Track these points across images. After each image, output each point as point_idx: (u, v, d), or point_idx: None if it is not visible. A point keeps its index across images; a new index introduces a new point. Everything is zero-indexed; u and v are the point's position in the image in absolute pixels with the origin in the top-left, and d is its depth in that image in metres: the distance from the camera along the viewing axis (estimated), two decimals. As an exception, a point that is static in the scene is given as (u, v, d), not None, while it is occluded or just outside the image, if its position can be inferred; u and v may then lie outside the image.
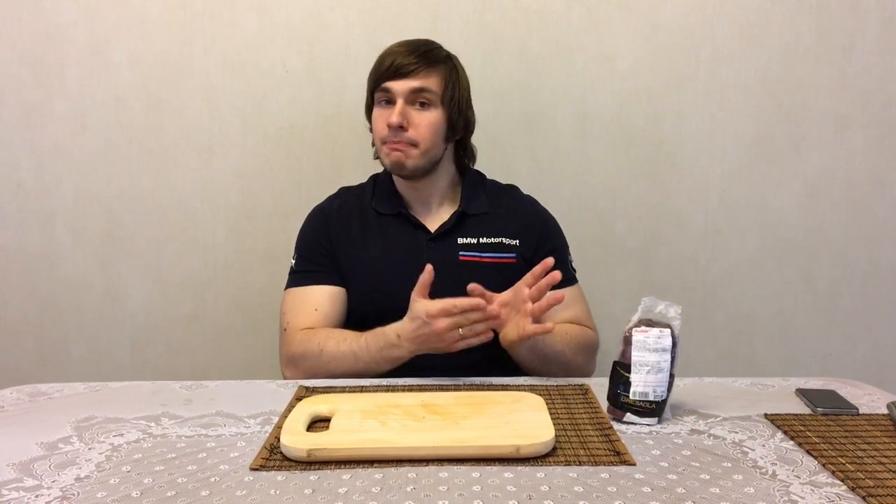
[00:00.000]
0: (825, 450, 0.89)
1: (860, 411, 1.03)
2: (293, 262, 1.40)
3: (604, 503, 0.75)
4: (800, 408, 1.05)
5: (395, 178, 1.40)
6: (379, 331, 1.20)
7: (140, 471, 0.83)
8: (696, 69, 1.81)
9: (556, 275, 1.14)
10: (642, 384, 0.97)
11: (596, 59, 1.80)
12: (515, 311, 1.18)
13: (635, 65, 1.80)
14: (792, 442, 0.92)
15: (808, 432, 0.94)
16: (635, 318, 1.02)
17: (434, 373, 1.20)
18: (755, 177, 1.85)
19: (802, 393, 1.09)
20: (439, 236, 1.37)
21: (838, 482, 0.80)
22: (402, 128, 1.28)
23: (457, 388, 1.12)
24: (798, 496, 0.77)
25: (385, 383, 1.15)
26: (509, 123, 1.81)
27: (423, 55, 1.30)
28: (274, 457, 0.86)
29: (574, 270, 1.43)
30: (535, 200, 1.47)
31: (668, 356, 0.97)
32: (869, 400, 1.09)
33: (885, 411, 1.03)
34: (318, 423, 0.97)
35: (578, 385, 1.14)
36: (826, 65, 1.81)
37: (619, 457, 0.86)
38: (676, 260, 1.89)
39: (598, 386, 1.12)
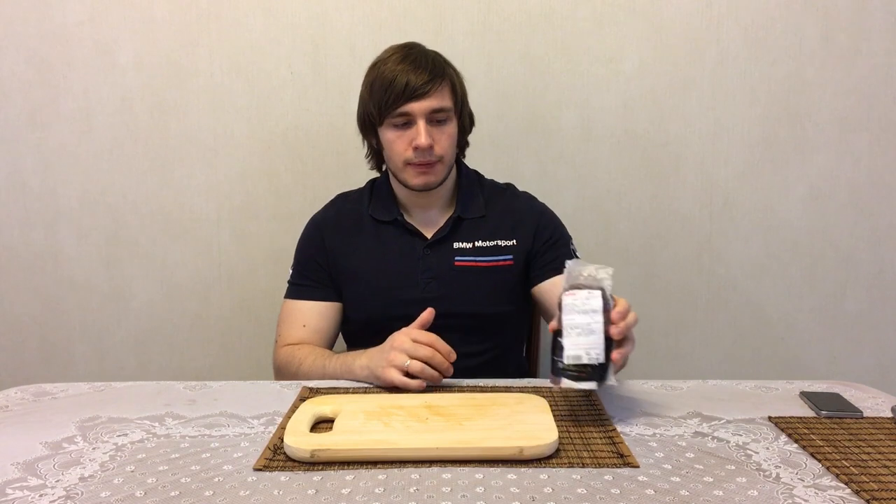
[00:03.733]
0: (829, 453, 0.89)
1: (864, 414, 1.02)
2: (290, 272, 1.42)
3: (607, 505, 0.75)
4: (804, 411, 1.05)
5: (394, 185, 1.39)
6: (355, 352, 1.22)
7: (144, 471, 0.83)
8: (701, 71, 1.80)
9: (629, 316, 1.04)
10: (574, 347, 0.94)
11: (600, 61, 1.80)
12: None
13: (640, 67, 1.80)
14: (796, 445, 0.92)
15: (812, 435, 0.94)
16: (564, 284, 0.99)
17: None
18: (760, 179, 1.85)
19: (806, 396, 1.09)
20: (435, 243, 1.37)
21: (842, 485, 0.80)
22: (430, 147, 1.28)
23: (460, 389, 1.12)
24: (802, 499, 0.77)
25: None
26: (513, 125, 1.81)
27: (433, 70, 1.27)
28: (277, 457, 0.87)
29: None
30: (531, 196, 1.47)
31: (599, 317, 0.94)
32: (873, 403, 1.08)
33: (890, 414, 1.02)
34: (322, 424, 0.97)
35: (582, 387, 1.14)
36: (831, 67, 1.81)
37: (623, 459, 0.86)
38: (680, 262, 1.88)
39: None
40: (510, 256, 1.37)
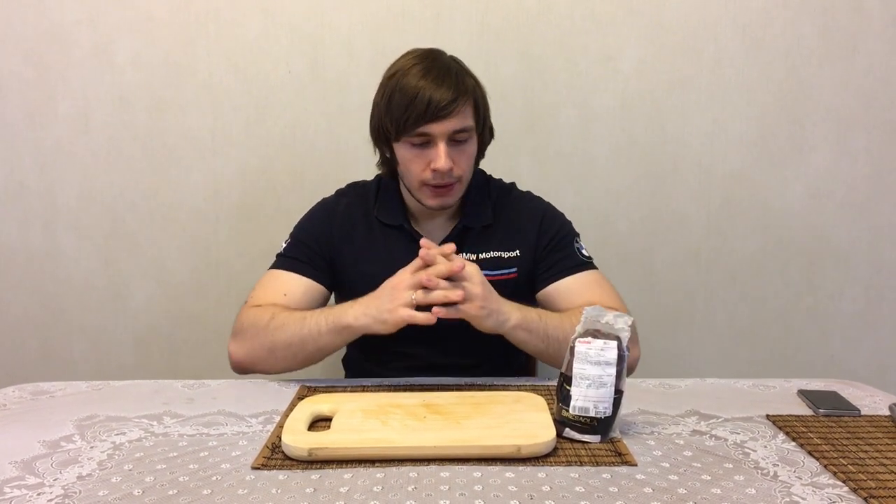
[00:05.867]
0: (827, 451, 0.89)
1: (862, 412, 1.03)
2: (283, 245, 1.34)
3: (605, 503, 0.75)
4: (801, 409, 1.05)
5: (404, 192, 1.33)
6: (340, 304, 1.17)
7: (142, 469, 0.83)
8: (699, 70, 1.81)
9: (447, 248, 1.10)
10: (583, 398, 0.91)
11: (598, 60, 1.80)
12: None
13: (638, 66, 1.80)
14: (793, 443, 0.92)
15: (809, 433, 0.94)
16: (580, 328, 0.96)
17: (435, 372, 1.20)
18: (757, 178, 1.85)
19: (804, 394, 1.09)
20: None
21: (840, 483, 0.80)
22: (449, 170, 1.21)
23: (458, 387, 1.12)
24: (799, 497, 0.77)
25: (387, 383, 1.15)
26: (512, 124, 1.81)
27: (457, 88, 1.19)
28: (275, 456, 0.87)
29: (588, 257, 1.34)
30: (532, 197, 1.41)
31: (612, 370, 0.91)
32: (871, 401, 1.09)
33: (887, 412, 1.03)
34: (320, 423, 0.97)
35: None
36: (829, 66, 1.81)
37: (621, 457, 0.87)
38: (679, 261, 1.89)
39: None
40: (514, 269, 1.31)
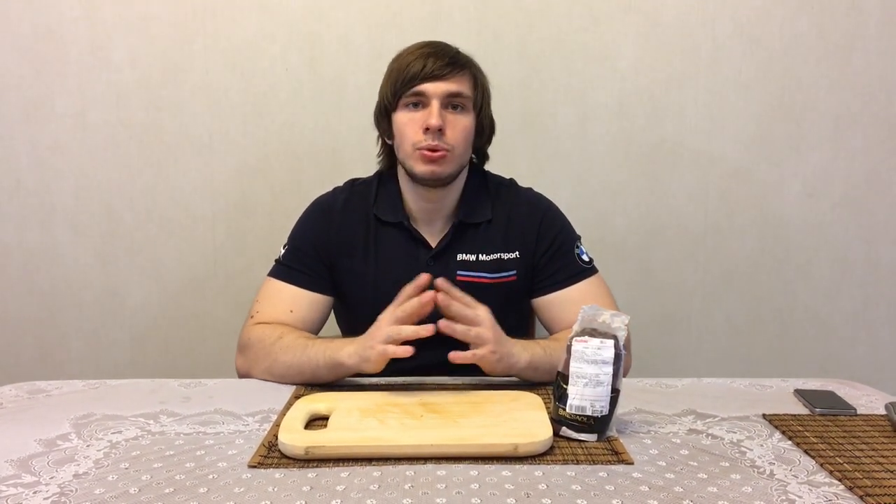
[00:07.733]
0: (823, 450, 0.89)
1: (858, 412, 1.03)
2: (283, 250, 1.33)
3: (601, 502, 0.75)
4: (798, 408, 1.05)
5: (403, 185, 1.32)
6: (340, 340, 1.16)
7: (138, 468, 0.83)
8: (697, 68, 1.81)
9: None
10: (579, 397, 0.91)
11: (596, 58, 1.80)
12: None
13: (635, 64, 1.80)
14: (790, 442, 0.92)
15: (806, 432, 0.95)
16: (576, 328, 0.96)
17: (433, 371, 1.20)
18: (755, 176, 1.86)
19: (801, 393, 1.09)
20: (439, 253, 1.29)
21: (836, 482, 0.80)
22: (440, 131, 1.21)
23: (455, 387, 1.12)
24: (796, 495, 0.77)
25: (384, 382, 1.15)
26: (510, 122, 1.81)
27: (454, 58, 1.24)
28: (272, 454, 0.87)
29: (588, 261, 1.33)
30: (532, 194, 1.39)
31: (608, 369, 0.92)
32: (867, 401, 1.09)
33: (883, 412, 1.03)
34: (317, 422, 0.97)
35: (577, 384, 1.14)
36: (826, 64, 1.81)
37: (617, 456, 0.87)
38: (676, 259, 1.89)
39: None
40: (513, 272, 1.30)
